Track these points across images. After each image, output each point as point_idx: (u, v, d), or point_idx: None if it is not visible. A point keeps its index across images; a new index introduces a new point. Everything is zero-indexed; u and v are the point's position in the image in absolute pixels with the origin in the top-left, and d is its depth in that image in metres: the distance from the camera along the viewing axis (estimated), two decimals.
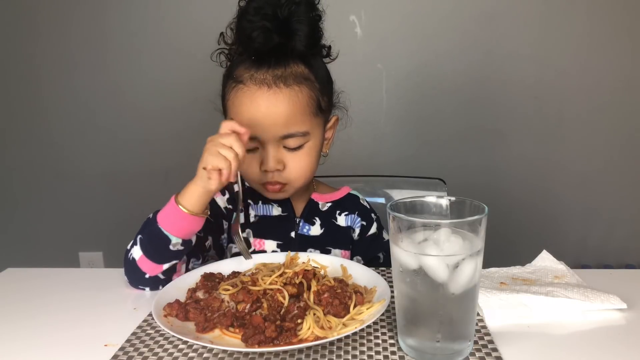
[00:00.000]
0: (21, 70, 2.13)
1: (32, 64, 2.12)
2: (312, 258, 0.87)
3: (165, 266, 0.83)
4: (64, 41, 2.08)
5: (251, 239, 1.00)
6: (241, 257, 0.90)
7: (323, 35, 0.92)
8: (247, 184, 1.04)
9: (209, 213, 0.85)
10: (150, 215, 0.85)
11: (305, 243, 1.01)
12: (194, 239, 0.86)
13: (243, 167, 0.94)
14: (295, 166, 0.92)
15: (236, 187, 0.92)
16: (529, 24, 1.99)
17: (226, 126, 0.82)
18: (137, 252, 0.83)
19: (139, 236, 0.84)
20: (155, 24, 2.05)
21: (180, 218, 0.81)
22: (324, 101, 0.94)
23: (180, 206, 0.81)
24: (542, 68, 2.01)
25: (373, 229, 1.07)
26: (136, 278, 0.85)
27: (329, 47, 0.95)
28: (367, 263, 0.90)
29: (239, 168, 0.81)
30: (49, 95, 2.14)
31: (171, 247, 0.82)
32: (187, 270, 0.90)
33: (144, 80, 2.10)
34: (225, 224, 1.00)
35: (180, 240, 0.82)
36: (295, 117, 0.88)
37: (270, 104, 0.87)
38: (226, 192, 1.02)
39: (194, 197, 0.81)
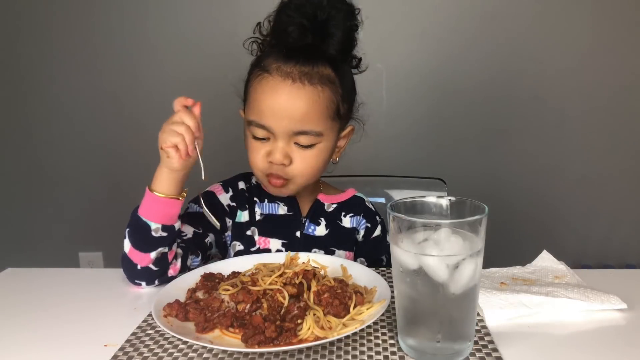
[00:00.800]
0: (21, 70, 2.13)
1: (33, 64, 2.12)
2: (312, 258, 0.87)
3: (153, 255, 0.84)
4: (64, 42, 2.08)
5: (256, 237, 1.00)
6: (241, 257, 0.91)
7: (356, 46, 0.94)
8: (253, 181, 1.04)
9: (185, 195, 0.87)
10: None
11: (310, 243, 1.01)
12: (177, 225, 0.86)
13: (250, 156, 0.94)
14: (302, 164, 0.92)
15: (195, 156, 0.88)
16: (530, 24, 1.99)
17: (177, 103, 0.84)
18: (126, 245, 0.85)
19: (127, 229, 0.86)
20: (155, 24, 2.05)
21: (154, 202, 0.84)
22: (344, 108, 0.94)
23: (153, 192, 0.84)
24: (542, 68, 2.01)
25: (377, 232, 1.07)
26: (130, 271, 0.86)
27: (360, 59, 0.97)
28: (370, 265, 0.90)
29: (194, 139, 0.83)
30: (49, 95, 2.14)
31: (153, 234, 0.83)
32: (185, 266, 0.90)
33: (144, 80, 2.10)
34: (229, 222, 1.00)
35: (159, 226, 0.84)
36: (312, 115, 0.89)
37: (290, 97, 0.87)
38: (229, 189, 1.02)
39: (162, 179, 0.84)
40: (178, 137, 0.81)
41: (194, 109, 0.85)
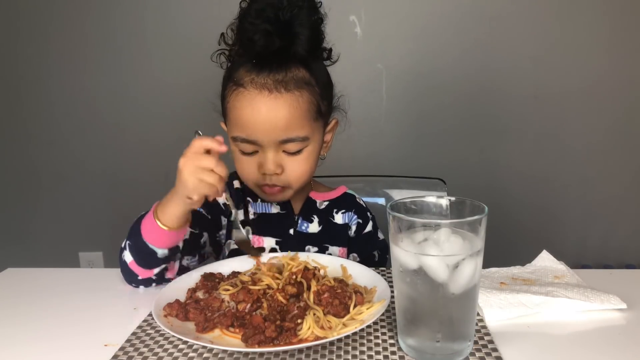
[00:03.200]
0: (22, 69, 2.13)
1: (33, 63, 2.12)
2: (312, 258, 0.87)
3: (156, 270, 0.84)
4: (65, 41, 2.08)
5: (250, 236, 1.00)
6: (241, 257, 0.91)
7: (324, 39, 0.92)
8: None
9: (191, 220, 0.84)
10: (135, 221, 0.84)
11: (304, 240, 1.02)
12: (181, 244, 0.85)
13: (241, 170, 0.94)
14: (294, 170, 0.92)
15: (222, 199, 0.88)
16: (529, 24, 1.99)
17: (199, 145, 0.77)
18: (128, 257, 0.84)
19: (128, 242, 0.84)
20: (156, 24, 2.05)
21: (162, 233, 0.81)
22: (324, 105, 0.94)
23: (160, 224, 0.80)
24: (542, 68, 2.01)
25: (369, 227, 1.08)
26: (130, 277, 0.86)
27: (330, 50, 0.95)
28: (363, 261, 0.90)
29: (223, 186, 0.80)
30: (49, 95, 2.14)
31: (159, 256, 0.83)
32: (182, 266, 0.90)
33: (144, 80, 2.10)
34: (224, 220, 1.00)
35: (166, 251, 0.83)
36: (295, 122, 0.88)
37: (270, 108, 0.86)
38: (226, 187, 1.02)
39: (175, 216, 0.80)
40: (211, 189, 0.77)
41: (221, 147, 0.78)
